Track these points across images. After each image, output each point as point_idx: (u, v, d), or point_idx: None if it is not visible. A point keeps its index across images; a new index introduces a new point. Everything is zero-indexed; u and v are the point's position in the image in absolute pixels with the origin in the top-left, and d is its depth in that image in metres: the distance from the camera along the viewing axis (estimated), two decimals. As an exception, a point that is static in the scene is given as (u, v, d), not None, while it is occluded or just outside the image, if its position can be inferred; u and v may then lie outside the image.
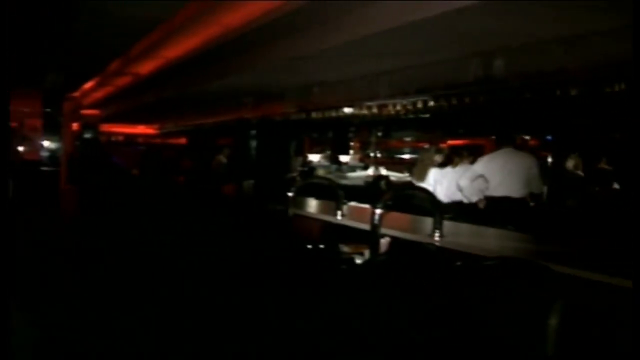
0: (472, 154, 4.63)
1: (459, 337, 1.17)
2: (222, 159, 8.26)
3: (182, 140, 18.15)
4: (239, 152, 12.25)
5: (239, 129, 11.90)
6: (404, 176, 7.96)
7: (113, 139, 17.02)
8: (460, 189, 4.29)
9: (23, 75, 6.43)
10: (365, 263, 2.03)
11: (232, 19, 4.82)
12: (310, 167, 10.22)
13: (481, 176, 4.08)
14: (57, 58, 5.64)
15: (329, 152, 11.24)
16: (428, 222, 2.27)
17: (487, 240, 2.42)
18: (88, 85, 8.26)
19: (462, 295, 1.29)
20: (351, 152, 11.93)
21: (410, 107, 6.48)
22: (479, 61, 4.18)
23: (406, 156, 11.25)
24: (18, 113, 9.88)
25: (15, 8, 4.20)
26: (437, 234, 2.05)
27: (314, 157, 11.40)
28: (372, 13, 3.82)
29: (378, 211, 1.93)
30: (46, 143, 8.02)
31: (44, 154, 7.99)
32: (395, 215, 2.71)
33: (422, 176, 4.94)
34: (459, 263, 1.59)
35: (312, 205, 4.23)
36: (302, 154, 11.98)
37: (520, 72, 4.48)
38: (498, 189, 3.98)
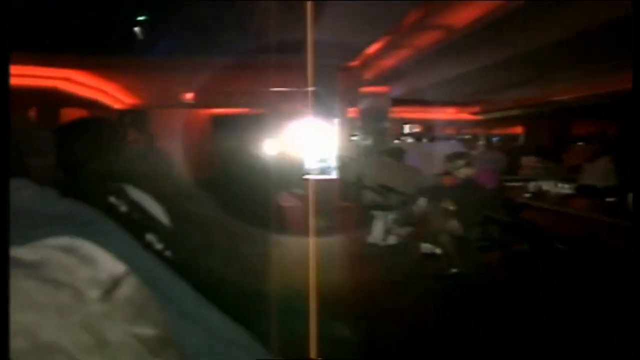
0: None
1: None
2: (606, 163, 8.00)
3: (517, 130, 18.49)
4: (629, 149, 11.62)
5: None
6: None
7: (407, 130, 18.80)
8: None
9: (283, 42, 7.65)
10: None
11: None
12: None
13: None
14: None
15: None
16: None
17: None
18: (372, 49, 9.28)
19: None
20: None
21: None
22: None
23: None
24: (267, 95, 11.85)
25: None
26: None
27: None
28: None
29: None
30: (311, 138, 9.28)
31: (311, 156, 9.27)
32: None
33: None
34: None
35: None
36: None
37: None
38: None
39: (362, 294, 5.66)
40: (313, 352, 1.81)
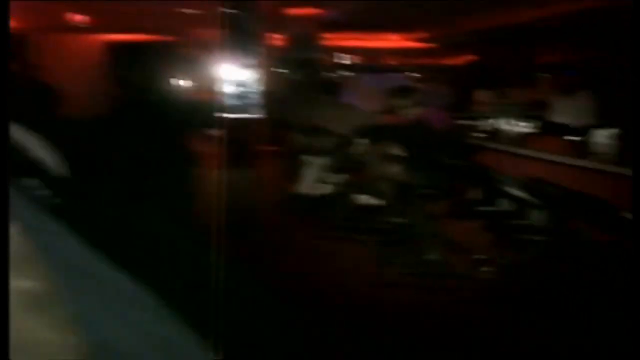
0: None
1: None
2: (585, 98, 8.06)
3: (469, 59, 18.57)
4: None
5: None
6: None
7: (342, 60, 18.75)
8: None
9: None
10: None
11: None
12: None
13: None
14: None
15: None
16: None
17: None
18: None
19: None
20: None
21: None
22: None
23: None
24: (176, 17, 11.60)
25: None
26: None
27: None
28: None
29: None
30: (228, 71, 9.17)
31: (228, 91, 9.17)
32: None
33: None
34: None
35: None
36: None
37: None
38: None
39: (289, 250, 5.67)
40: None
